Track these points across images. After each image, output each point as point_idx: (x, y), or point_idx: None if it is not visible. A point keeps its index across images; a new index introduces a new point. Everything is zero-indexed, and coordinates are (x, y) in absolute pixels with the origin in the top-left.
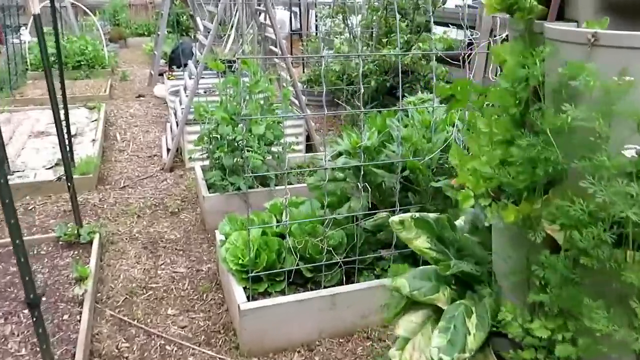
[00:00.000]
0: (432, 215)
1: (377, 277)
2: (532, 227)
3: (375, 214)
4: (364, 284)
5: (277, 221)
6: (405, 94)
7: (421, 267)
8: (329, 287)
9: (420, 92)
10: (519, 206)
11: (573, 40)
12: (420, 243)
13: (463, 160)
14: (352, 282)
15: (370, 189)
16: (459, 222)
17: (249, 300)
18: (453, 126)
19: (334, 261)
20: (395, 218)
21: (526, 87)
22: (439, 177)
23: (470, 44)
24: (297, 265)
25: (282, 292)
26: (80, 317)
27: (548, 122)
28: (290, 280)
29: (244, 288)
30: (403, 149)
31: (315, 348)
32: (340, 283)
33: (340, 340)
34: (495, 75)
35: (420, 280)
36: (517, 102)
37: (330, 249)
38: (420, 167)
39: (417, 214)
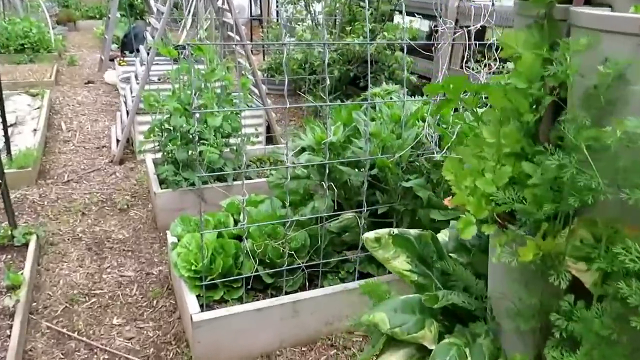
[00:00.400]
0: (413, 231)
1: (342, 280)
2: (552, 266)
3: (340, 214)
4: (329, 289)
5: (235, 222)
6: (370, 85)
7: (403, 297)
8: (290, 292)
9: (384, 82)
10: (541, 241)
11: (617, 29)
12: (399, 264)
13: (460, 175)
14: (316, 286)
15: (335, 188)
16: (442, 237)
17: (202, 309)
18: (423, 121)
19: (296, 265)
20: (371, 235)
21: (543, 88)
22: (409, 176)
23: (437, 32)
24: (256, 270)
25: (240, 300)
26: (11, 331)
27: (585, 136)
28: (249, 286)
29: (197, 296)
30: (371, 146)
31: (276, 359)
32: (303, 288)
33: (303, 349)
34: (463, 66)
35: (402, 314)
36: (532, 106)
37: (292, 252)
38: (390, 166)
39: (396, 230)
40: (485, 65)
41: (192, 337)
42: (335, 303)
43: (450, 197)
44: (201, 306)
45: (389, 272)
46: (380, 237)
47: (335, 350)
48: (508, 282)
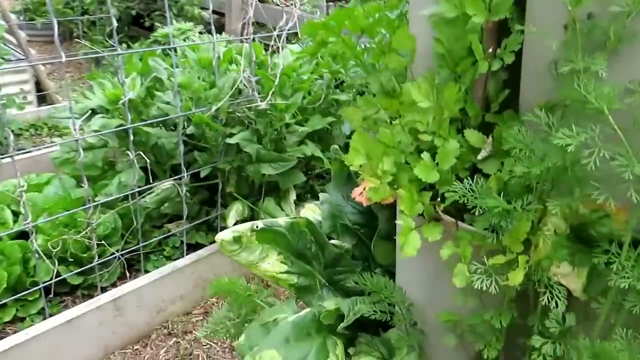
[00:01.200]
0: (282, 221)
1: (169, 258)
2: (534, 280)
3: (155, 185)
4: (155, 274)
5: (15, 215)
6: (157, 24)
7: (292, 319)
8: (107, 288)
9: (174, 20)
10: (517, 247)
11: None
12: (271, 266)
13: (374, 155)
14: (139, 272)
15: (144, 155)
16: (313, 219)
17: None
18: (236, 64)
19: (109, 256)
20: (226, 235)
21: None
22: (231, 130)
23: None
24: (57, 274)
25: (41, 314)
26: None
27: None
28: (52, 293)
29: None
30: (181, 99)
31: None
32: (123, 277)
33: (136, 347)
34: None
35: (297, 345)
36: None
37: (102, 240)
38: (208, 121)
39: (261, 223)
40: None
41: None
42: (166, 287)
43: (362, 189)
44: None
45: None
46: (241, 236)
47: (174, 339)
48: (440, 288)
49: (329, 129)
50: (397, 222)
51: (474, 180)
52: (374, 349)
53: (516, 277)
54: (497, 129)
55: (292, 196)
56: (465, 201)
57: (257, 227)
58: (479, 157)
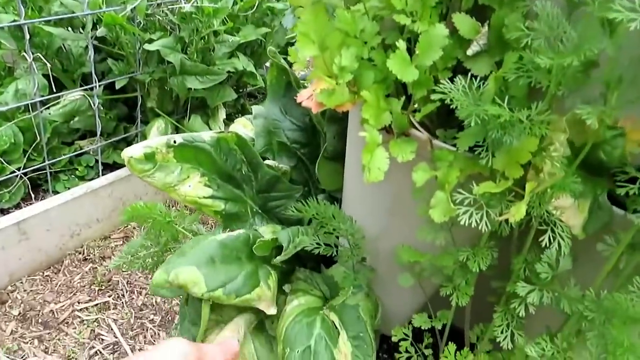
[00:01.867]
0: (207, 136)
1: (82, 178)
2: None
3: (62, 95)
4: (66, 195)
5: None
6: None
7: (221, 238)
8: (10, 210)
9: None
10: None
11: None
12: (193, 190)
13: (330, 46)
14: (46, 192)
15: (46, 59)
16: (244, 134)
17: None
18: None
19: (9, 175)
20: (136, 151)
21: None
22: (151, 35)
23: None
24: None
25: None
26: None
27: None
28: None
29: None
30: None
31: (9, 296)
32: (28, 199)
33: (47, 273)
34: None
35: (223, 267)
36: None
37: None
38: (123, 23)
39: (179, 137)
40: None
41: None
42: (79, 209)
43: (312, 91)
44: None
45: None
46: (154, 152)
47: (91, 264)
48: (399, 220)
49: (263, 41)
50: (361, 134)
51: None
52: (313, 287)
53: (519, 211)
54: (496, 14)
55: (222, 115)
56: (456, 107)
57: (174, 142)
58: (469, 52)
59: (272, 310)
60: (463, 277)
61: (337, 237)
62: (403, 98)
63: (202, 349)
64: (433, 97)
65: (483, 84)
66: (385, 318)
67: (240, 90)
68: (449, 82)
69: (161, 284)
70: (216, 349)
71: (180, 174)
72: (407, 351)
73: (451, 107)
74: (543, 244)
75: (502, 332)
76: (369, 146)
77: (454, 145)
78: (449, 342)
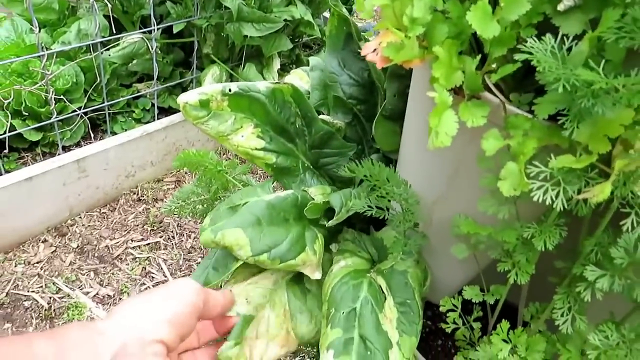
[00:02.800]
0: (263, 86)
1: (138, 121)
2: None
3: (121, 37)
4: (123, 137)
5: None
6: None
7: (269, 199)
8: (71, 148)
9: None
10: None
11: None
12: (245, 140)
13: None
14: (104, 133)
15: (109, 1)
16: (299, 85)
17: None
18: None
19: (70, 113)
20: (191, 97)
21: None
22: None
23: None
24: (12, 127)
25: None
26: None
27: None
28: (7, 148)
29: None
30: None
31: (69, 230)
32: (87, 138)
33: (103, 210)
34: None
35: (269, 229)
36: None
37: (61, 95)
38: None
39: (235, 86)
40: None
41: None
42: (135, 151)
43: (377, 44)
44: None
45: None
46: (209, 99)
47: (144, 205)
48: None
49: None
50: (429, 94)
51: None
52: (361, 249)
53: (603, 191)
54: None
55: (276, 65)
56: (539, 70)
57: (229, 90)
58: (560, 7)
59: (316, 275)
60: (525, 254)
61: (389, 201)
62: (478, 57)
63: (208, 291)
64: (517, 57)
65: (575, 44)
66: (433, 286)
67: (296, 40)
68: (536, 40)
69: (208, 243)
70: (219, 295)
71: (233, 123)
72: (454, 322)
73: (531, 69)
74: (625, 228)
75: (562, 315)
76: (438, 108)
77: (529, 112)
78: (502, 319)
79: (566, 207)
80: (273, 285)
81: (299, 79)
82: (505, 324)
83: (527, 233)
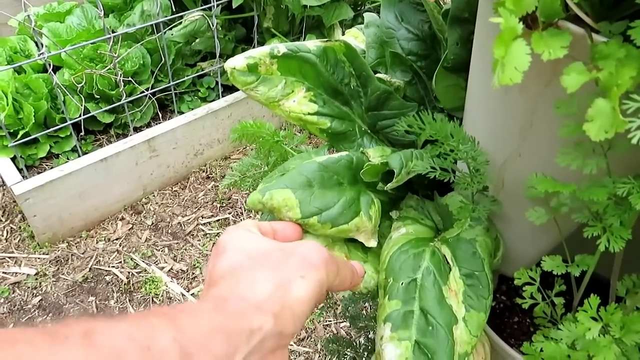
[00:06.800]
0: (313, 45)
1: (203, 100)
2: None
3: (182, 15)
4: (189, 115)
5: (39, 47)
6: None
7: (321, 160)
8: (142, 128)
9: None
10: None
11: None
12: (297, 105)
13: None
14: (172, 113)
15: None
16: (354, 44)
17: (26, 173)
18: None
19: (139, 95)
20: (238, 61)
21: None
22: None
23: None
24: (86, 110)
25: (75, 150)
26: None
27: None
28: (84, 130)
29: (13, 159)
30: None
31: (144, 207)
32: (156, 118)
33: (175, 189)
34: None
35: (321, 192)
36: None
37: (130, 77)
38: None
39: (283, 47)
40: None
41: (25, 211)
42: (202, 130)
43: None
44: (23, 169)
45: None
46: (257, 63)
47: (213, 183)
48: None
49: None
50: (493, 20)
51: None
52: (424, 216)
53: None
54: None
55: (338, 35)
56: None
57: (278, 52)
58: None
59: (372, 243)
60: (618, 216)
61: (455, 162)
62: None
63: (338, 260)
64: None
65: None
66: (507, 257)
67: (359, 9)
68: None
69: (254, 204)
70: (349, 265)
71: (284, 88)
72: (532, 297)
73: None
74: None
75: None
76: (504, 36)
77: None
78: (591, 294)
79: None
80: (326, 242)
81: (354, 38)
82: (594, 299)
83: (621, 190)
